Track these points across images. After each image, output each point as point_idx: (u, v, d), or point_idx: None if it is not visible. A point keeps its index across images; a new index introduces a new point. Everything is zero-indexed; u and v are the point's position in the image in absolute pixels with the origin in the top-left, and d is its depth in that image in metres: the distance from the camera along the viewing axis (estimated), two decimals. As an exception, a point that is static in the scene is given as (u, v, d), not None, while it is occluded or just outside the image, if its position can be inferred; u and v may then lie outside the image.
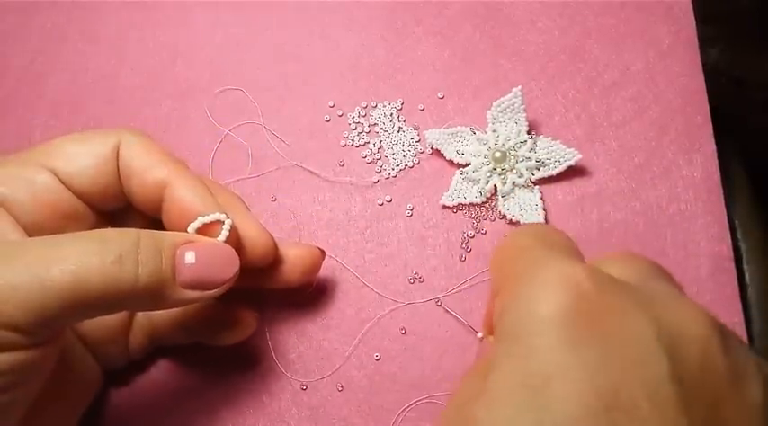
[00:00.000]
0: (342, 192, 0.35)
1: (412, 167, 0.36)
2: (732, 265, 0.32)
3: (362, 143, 0.36)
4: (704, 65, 0.37)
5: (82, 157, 0.27)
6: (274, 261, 0.30)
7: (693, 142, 0.35)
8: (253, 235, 0.28)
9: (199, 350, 0.32)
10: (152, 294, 0.24)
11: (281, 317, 0.33)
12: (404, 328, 0.32)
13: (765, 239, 0.39)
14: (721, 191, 0.34)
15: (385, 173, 0.36)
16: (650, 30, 0.37)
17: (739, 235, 0.39)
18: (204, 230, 0.26)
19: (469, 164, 0.35)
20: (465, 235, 0.34)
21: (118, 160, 0.28)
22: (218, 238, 0.26)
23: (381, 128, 0.36)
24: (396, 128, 0.36)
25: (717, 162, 0.34)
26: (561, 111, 0.36)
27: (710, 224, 0.33)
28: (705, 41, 0.37)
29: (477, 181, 0.34)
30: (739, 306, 0.32)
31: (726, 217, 0.33)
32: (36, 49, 0.40)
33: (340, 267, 0.34)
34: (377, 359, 0.32)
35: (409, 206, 0.35)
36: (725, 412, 0.18)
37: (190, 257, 0.25)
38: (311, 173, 0.36)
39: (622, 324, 0.18)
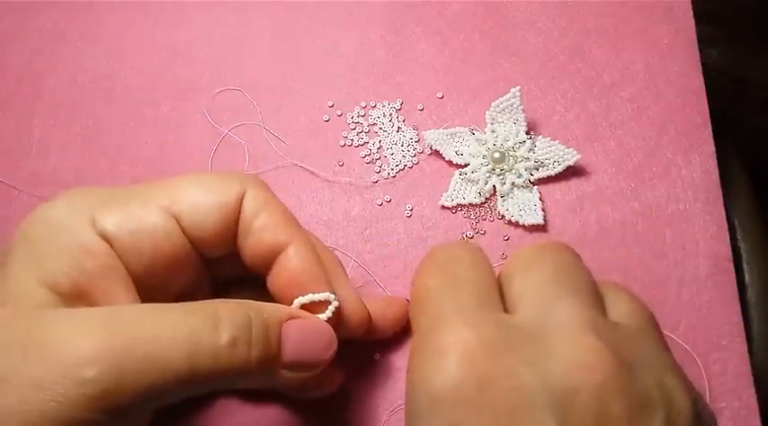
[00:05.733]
0: (341, 192, 0.35)
1: (411, 167, 0.36)
2: (731, 265, 0.32)
3: (362, 143, 0.36)
4: (704, 65, 0.37)
5: (207, 207, 0.26)
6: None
7: (693, 142, 0.35)
8: (350, 310, 0.27)
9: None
10: (259, 374, 0.23)
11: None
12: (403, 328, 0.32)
13: (765, 239, 0.39)
14: (720, 192, 0.34)
15: (384, 174, 0.35)
16: (650, 30, 0.37)
17: (739, 235, 0.39)
18: (309, 306, 0.26)
19: (468, 164, 0.35)
20: (464, 235, 0.34)
21: (239, 213, 0.26)
22: (322, 317, 0.26)
23: (381, 128, 0.36)
24: (395, 128, 0.36)
25: (716, 162, 0.34)
26: (560, 112, 0.36)
27: (709, 224, 0.33)
28: (705, 41, 0.37)
29: (477, 182, 0.34)
30: (738, 306, 0.32)
31: (725, 218, 0.33)
32: (35, 49, 0.40)
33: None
34: (376, 359, 0.32)
35: (408, 206, 0.35)
36: None
37: (293, 338, 0.24)
38: (310, 173, 0.36)
39: (511, 390, 0.19)
